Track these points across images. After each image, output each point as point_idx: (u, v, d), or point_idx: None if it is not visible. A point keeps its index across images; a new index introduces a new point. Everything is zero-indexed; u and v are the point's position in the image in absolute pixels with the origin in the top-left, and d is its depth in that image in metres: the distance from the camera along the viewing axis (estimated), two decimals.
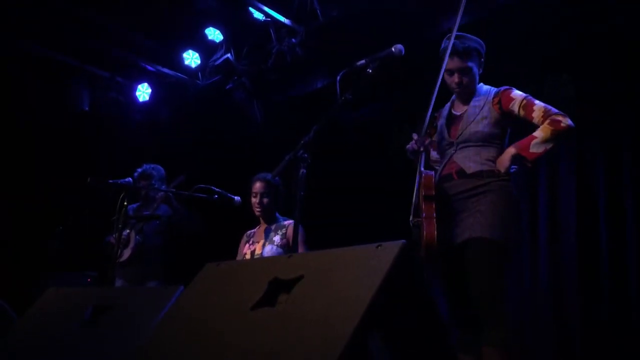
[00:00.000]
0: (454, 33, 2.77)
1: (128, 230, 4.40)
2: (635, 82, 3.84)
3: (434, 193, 2.63)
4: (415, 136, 2.84)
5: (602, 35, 3.91)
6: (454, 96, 2.96)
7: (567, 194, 4.14)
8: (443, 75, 2.81)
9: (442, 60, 2.77)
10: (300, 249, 3.41)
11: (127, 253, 4.39)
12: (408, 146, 2.89)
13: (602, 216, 3.93)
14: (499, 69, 2.85)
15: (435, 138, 2.93)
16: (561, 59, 4.14)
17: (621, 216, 3.85)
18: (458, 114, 2.88)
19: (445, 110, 2.97)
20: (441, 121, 2.93)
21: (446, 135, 2.86)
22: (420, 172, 2.72)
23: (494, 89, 2.83)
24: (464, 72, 2.80)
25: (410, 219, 2.71)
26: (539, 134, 2.62)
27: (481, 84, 2.87)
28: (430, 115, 2.86)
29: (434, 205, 2.60)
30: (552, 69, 4.03)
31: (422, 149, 2.80)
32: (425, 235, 2.53)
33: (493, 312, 2.50)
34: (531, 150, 2.61)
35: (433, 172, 2.75)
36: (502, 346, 2.45)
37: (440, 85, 2.77)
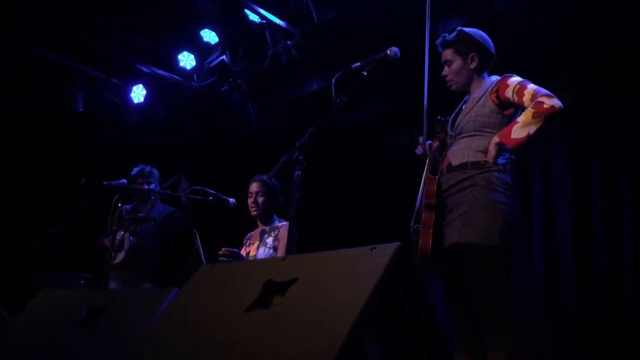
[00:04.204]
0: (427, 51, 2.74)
1: (122, 232, 4.37)
2: (633, 83, 3.85)
3: (434, 202, 2.59)
4: (421, 139, 2.84)
5: (600, 37, 3.92)
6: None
7: (562, 196, 4.14)
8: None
9: None
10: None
11: (121, 255, 4.36)
12: (416, 150, 2.91)
13: (598, 221, 3.94)
14: (496, 72, 2.85)
15: None
16: (559, 62, 4.15)
17: (618, 222, 3.84)
18: (464, 107, 2.84)
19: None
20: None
21: (449, 130, 2.84)
22: (426, 178, 2.69)
23: (497, 78, 2.75)
24: (447, 63, 2.81)
25: (412, 223, 2.69)
26: (520, 118, 2.51)
27: (493, 76, 2.80)
28: (442, 118, 2.86)
29: (433, 215, 2.56)
30: (550, 71, 4.04)
31: (428, 153, 2.80)
32: (420, 246, 2.52)
33: (500, 318, 2.46)
34: (512, 137, 2.48)
35: (437, 177, 2.70)
36: (508, 351, 2.41)
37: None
